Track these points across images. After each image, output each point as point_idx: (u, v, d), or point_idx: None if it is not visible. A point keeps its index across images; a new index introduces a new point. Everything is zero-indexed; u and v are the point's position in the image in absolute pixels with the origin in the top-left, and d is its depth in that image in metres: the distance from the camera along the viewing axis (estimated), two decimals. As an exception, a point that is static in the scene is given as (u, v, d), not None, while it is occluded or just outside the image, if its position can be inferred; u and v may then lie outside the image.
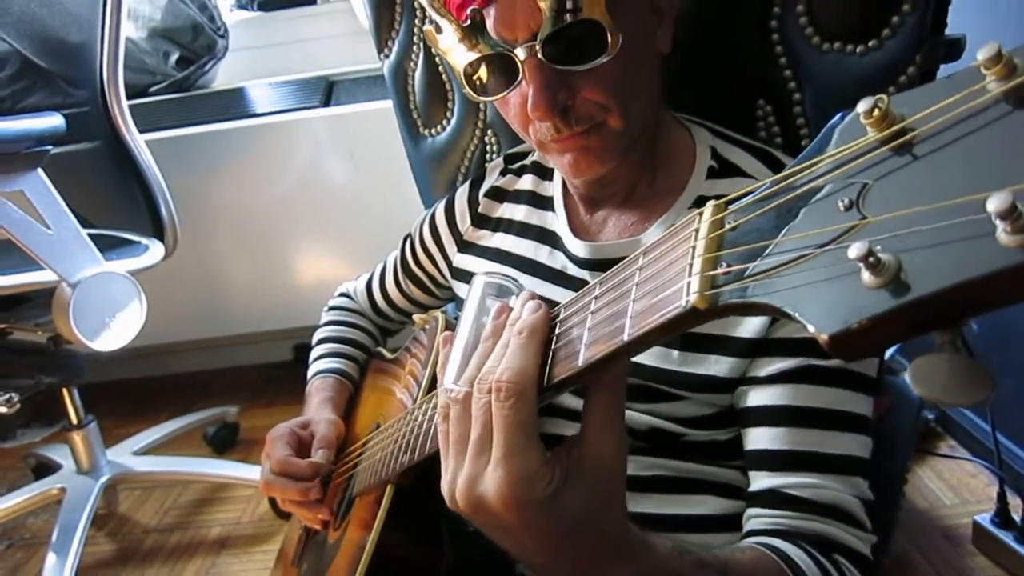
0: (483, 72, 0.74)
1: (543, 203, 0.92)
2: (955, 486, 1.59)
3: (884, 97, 0.29)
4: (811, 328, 0.28)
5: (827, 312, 0.28)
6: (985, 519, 1.40)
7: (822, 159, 0.31)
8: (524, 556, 0.52)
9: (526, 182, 0.95)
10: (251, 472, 1.83)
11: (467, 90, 0.76)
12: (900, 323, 0.26)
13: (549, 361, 0.48)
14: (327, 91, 2.14)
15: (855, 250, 0.26)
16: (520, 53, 0.69)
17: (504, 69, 0.72)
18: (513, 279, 0.60)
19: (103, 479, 1.75)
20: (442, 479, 0.52)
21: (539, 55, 0.68)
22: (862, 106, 0.29)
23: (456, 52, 0.74)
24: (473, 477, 0.48)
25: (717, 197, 0.82)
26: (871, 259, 0.26)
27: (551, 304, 0.53)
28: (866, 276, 0.26)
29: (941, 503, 1.54)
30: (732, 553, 0.62)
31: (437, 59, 1.15)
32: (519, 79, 0.71)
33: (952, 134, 0.27)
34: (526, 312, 0.51)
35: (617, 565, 0.50)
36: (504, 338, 0.51)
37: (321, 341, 1.14)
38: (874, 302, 0.26)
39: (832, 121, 0.32)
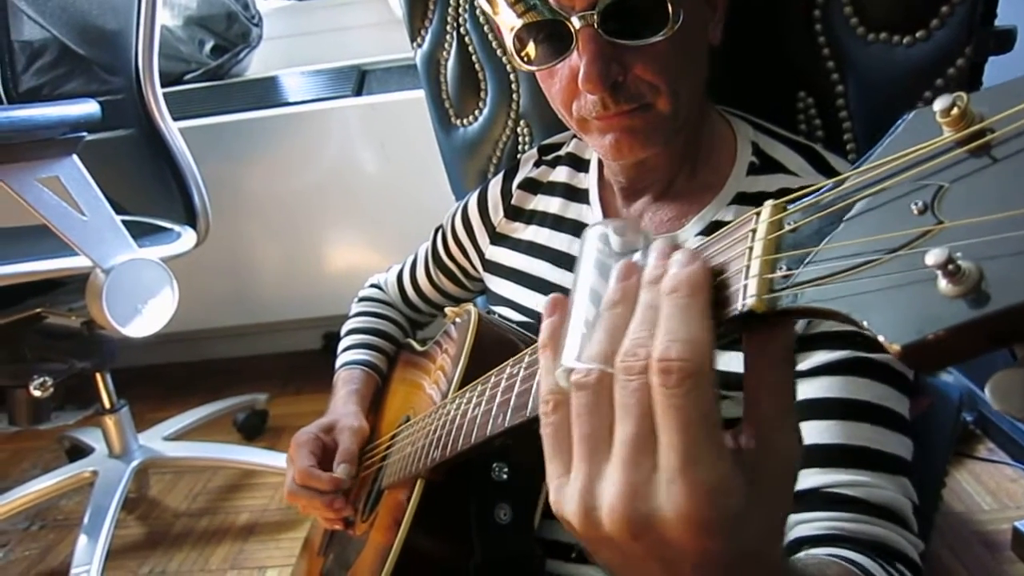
0: (533, 40, 0.72)
1: (578, 196, 0.90)
2: (994, 491, 1.55)
3: (963, 95, 0.27)
4: (881, 337, 0.26)
5: (899, 321, 0.26)
6: (1026, 525, 1.36)
7: (891, 159, 0.29)
8: None
9: (561, 174, 0.93)
10: (279, 460, 1.84)
11: (514, 58, 0.73)
12: (979, 335, 0.24)
13: None
14: (359, 80, 2.13)
15: (934, 256, 0.25)
16: (575, 22, 0.67)
17: (556, 37, 0.69)
18: (642, 229, 0.45)
19: (134, 463, 1.77)
20: (556, 489, 0.40)
21: (595, 25, 0.66)
22: (939, 104, 0.27)
23: (507, 16, 0.72)
24: (635, 490, 0.35)
25: (758, 194, 0.79)
26: (951, 266, 0.24)
27: None
28: (943, 284, 0.25)
29: (979, 508, 1.50)
30: (821, 570, 0.57)
31: (471, 48, 1.14)
32: (571, 49, 0.69)
33: (1037, 135, 0.26)
34: (676, 265, 0.38)
35: None
36: (645, 301, 0.38)
37: (350, 332, 1.13)
38: (952, 312, 0.24)
39: (901, 119, 0.31)
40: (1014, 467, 1.58)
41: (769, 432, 0.38)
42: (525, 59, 0.73)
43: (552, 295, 0.46)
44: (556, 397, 0.41)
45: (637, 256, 0.42)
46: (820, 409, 0.67)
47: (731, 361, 0.71)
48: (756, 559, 0.38)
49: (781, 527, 0.40)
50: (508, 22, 0.72)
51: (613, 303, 0.40)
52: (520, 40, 0.72)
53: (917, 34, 0.81)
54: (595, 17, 0.66)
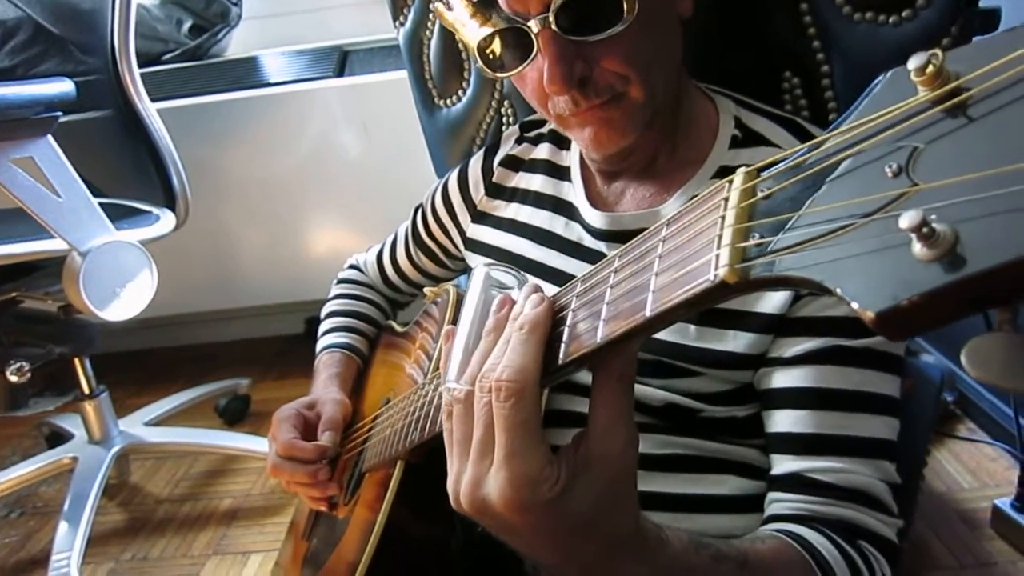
0: (497, 48, 0.71)
1: (560, 173, 0.89)
2: (974, 469, 1.56)
3: (939, 52, 0.26)
4: (855, 305, 0.26)
5: (873, 287, 0.25)
6: (1005, 503, 1.37)
7: (865, 121, 0.28)
8: (534, 556, 0.51)
9: (543, 151, 0.92)
10: (262, 445, 1.83)
11: (482, 67, 0.73)
12: (955, 300, 0.23)
13: (565, 337, 0.46)
14: (341, 61, 2.11)
15: (907, 219, 0.24)
16: (533, 26, 0.66)
17: (518, 43, 0.69)
18: (516, 270, 0.58)
19: (115, 449, 1.76)
20: (448, 478, 0.51)
21: (553, 26, 0.65)
22: (913, 63, 0.26)
23: (468, 28, 0.72)
24: (476, 479, 0.47)
25: (740, 167, 0.79)
26: (925, 229, 0.23)
27: (566, 277, 0.51)
28: (918, 248, 0.24)
29: (959, 486, 1.52)
30: (752, 543, 0.60)
31: (452, 28, 1.12)
32: (534, 53, 0.68)
33: (1013, 93, 0.25)
34: (528, 306, 0.48)
35: (630, 563, 0.49)
36: (506, 333, 0.49)
37: (330, 315, 1.12)
38: (927, 277, 0.24)
39: (877, 79, 0.30)
40: (993, 446, 1.60)
41: (602, 436, 0.46)
42: (493, 66, 0.73)
43: (447, 327, 0.57)
44: (448, 408, 0.51)
45: (515, 293, 0.54)
46: (797, 399, 0.69)
47: (712, 339, 0.71)
48: (593, 530, 0.47)
49: (623, 505, 0.48)
50: (471, 36, 0.72)
51: (488, 332, 0.51)
52: (485, 48, 0.72)
53: (903, 13, 0.80)
54: (551, 18, 0.65)
